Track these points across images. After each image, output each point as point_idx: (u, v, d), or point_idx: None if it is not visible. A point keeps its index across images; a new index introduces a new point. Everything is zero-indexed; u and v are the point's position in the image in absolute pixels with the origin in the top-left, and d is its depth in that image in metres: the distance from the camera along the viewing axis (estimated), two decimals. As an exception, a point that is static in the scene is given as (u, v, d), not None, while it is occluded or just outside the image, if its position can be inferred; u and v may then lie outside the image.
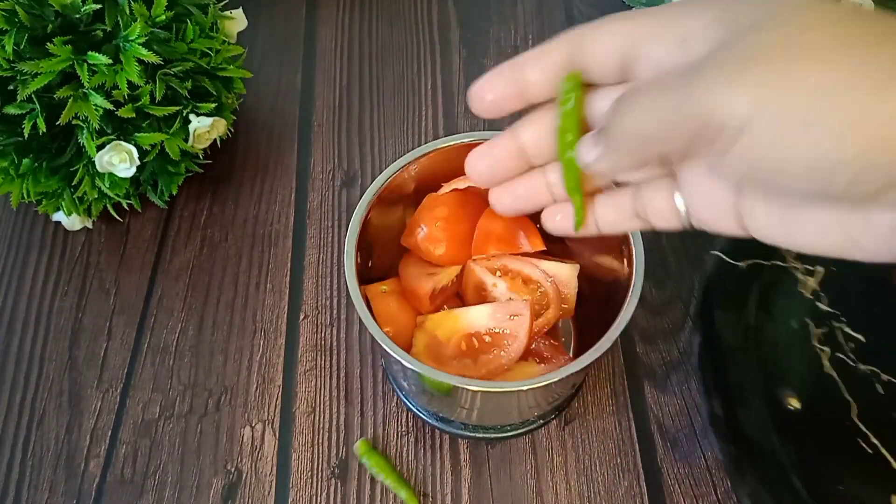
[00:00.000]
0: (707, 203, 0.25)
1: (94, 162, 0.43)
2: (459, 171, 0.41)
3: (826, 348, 0.37)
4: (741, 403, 0.36)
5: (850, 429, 0.35)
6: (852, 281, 0.38)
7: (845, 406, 0.36)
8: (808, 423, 0.36)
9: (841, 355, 0.37)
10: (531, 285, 0.40)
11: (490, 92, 0.27)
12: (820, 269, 0.39)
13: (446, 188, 0.41)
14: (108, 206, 0.48)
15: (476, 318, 0.38)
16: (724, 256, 0.39)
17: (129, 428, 0.43)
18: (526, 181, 0.30)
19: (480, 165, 0.30)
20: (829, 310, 0.38)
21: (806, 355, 0.37)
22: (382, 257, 0.42)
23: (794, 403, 0.36)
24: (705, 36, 0.21)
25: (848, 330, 0.37)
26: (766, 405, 0.35)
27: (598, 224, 0.29)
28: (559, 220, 0.30)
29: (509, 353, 0.37)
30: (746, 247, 0.39)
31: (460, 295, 0.42)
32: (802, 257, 0.39)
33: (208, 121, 0.46)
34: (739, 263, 0.38)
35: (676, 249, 0.48)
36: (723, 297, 0.38)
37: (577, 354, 0.34)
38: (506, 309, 0.38)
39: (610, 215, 0.29)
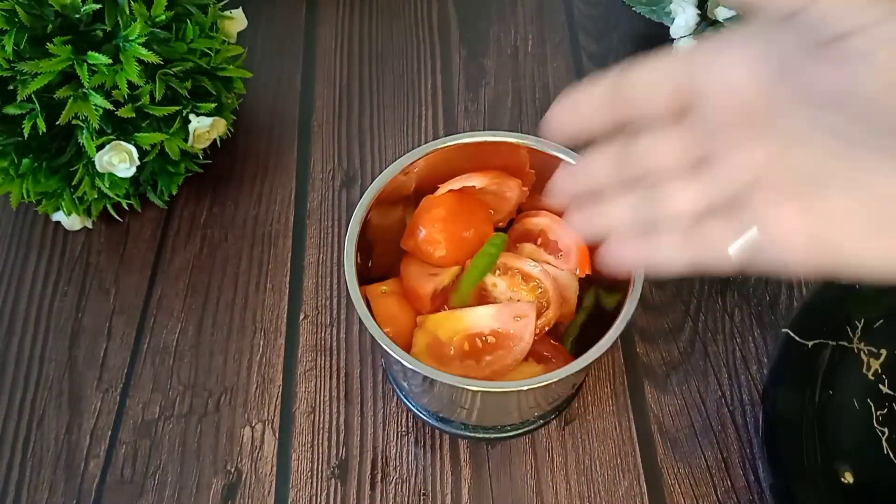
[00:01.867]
0: (781, 230, 0.23)
1: (93, 162, 0.43)
2: (459, 171, 0.41)
3: (885, 430, 0.38)
4: (802, 479, 0.37)
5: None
6: None
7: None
8: (865, 502, 0.37)
9: None
10: (531, 283, 0.40)
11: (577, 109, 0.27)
12: (884, 351, 0.40)
13: (442, 189, 0.41)
14: (107, 206, 0.48)
15: (480, 318, 0.38)
16: (792, 335, 0.40)
17: (129, 428, 0.43)
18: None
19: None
20: (890, 392, 0.39)
21: (867, 436, 0.38)
22: (382, 257, 0.42)
23: (851, 479, 0.37)
24: None
25: None
26: (826, 483, 0.37)
27: (650, 258, 0.27)
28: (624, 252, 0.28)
29: (514, 354, 0.37)
30: (814, 327, 0.40)
31: (460, 295, 0.42)
32: (868, 339, 0.40)
33: (208, 121, 0.46)
34: (806, 342, 0.40)
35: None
36: (789, 374, 0.39)
37: (577, 354, 0.34)
38: (510, 310, 0.38)
39: (663, 251, 0.26)
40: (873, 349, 0.40)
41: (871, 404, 0.38)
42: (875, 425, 0.38)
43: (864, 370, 0.39)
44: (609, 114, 0.26)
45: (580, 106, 0.27)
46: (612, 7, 0.62)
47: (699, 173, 0.25)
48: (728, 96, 0.24)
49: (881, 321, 0.40)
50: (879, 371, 0.39)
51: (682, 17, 0.54)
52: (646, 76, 0.25)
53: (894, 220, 0.21)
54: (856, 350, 0.40)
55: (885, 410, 0.38)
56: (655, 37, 0.59)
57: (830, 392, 0.38)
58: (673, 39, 0.56)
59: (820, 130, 0.22)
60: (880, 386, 0.39)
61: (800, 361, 0.39)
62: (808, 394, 0.38)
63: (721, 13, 0.51)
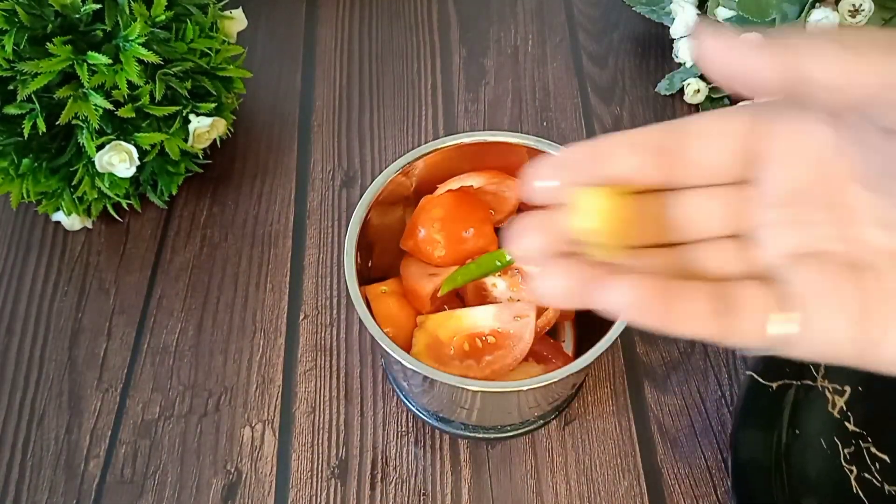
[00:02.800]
0: (826, 322, 0.20)
1: (93, 162, 0.43)
2: (459, 171, 0.41)
3: (853, 468, 0.38)
4: None
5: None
6: (879, 400, 0.40)
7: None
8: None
9: (867, 475, 0.38)
10: (531, 283, 0.40)
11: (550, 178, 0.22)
12: (848, 388, 0.40)
13: (441, 189, 0.41)
14: (107, 206, 0.48)
15: (480, 318, 0.38)
16: (756, 377, 0.40)
17: (129, 428, 0.43)
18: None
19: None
20: (856, 429, 0.39)
21: (835, 475, 0.38)
22: (382, 257, 0.42)
23: None
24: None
25: (874, 450, 0.39)
26: None
27: (681, 317, 0.21)
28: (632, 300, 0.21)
29: (514, 354, 0.37)
30: (777, 368, 0.40)
31: (460, 295, 0.42)
32: (831, 377, 0.40)
33: (208, 121, 0.46)
34: (771, 384, 0.40)
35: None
36: (755, 416, 0.40)
37: (578, 354, 0.34)
38: (511, 310, 0.38)
39: (697, 309, 0.21)
40: (837, 386, 0.40)
41: (838, 442, 0.39)
42: (843, 463, 0.38)
43: (830, 408, 0.40)
44: (649, 171, 0.22)
45: (613, 156, 0.22)
46: (612, 7, 0.62)
47: (740, 243, 0.22)
48: (795, 166, 0.21)
49: None
50: (844, 408, 0.40)
51: (682, 17, 0.54)
52: (706, 133, 0.22)
53: None
54: (820, 388, 0.40)
55: (852, 448, 0.39)
56: (655, 37, 0.59)
57: (797, 432, 0.39)
58: (673, 39, 0.56)
59: (880, 219, 0.20)
60: (846, 423, 0.39)
61: (765, 403, 0.40)
62: (776, 435, 0.39)
63: (721, 13, 0.51)
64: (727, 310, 0.21)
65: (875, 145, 0.19)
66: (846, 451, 0.38)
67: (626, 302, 0.20)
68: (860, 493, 0.37)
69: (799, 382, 0.40)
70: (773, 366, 0.40)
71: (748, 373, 0.40)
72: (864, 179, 0.20)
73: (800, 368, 0.40)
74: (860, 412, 0.39)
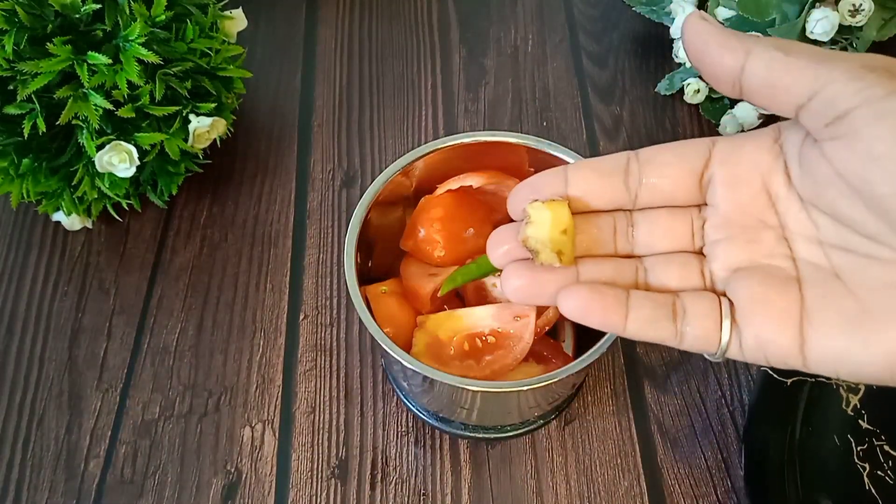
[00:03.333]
0: (766, 329, 0.22)
1: (93, 162, 0.43)
2: (459, 171, 0.41)
3: (866, 465, 0.38)
4: None
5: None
6: (893, 399, 0.40)
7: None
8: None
9: (880, 473, 0.38)
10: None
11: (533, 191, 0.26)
12: (862, 386, 0.40)
13: (440, 189, 0.41)
14: (107, 206, 0.48)
15: (480, 318, 0.38)
16: (771, 373, 0.41)
17: (129, 428, 0.43)
18: None
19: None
20: (870, 427, 0.39)
21: (848, 471, 0.38)
22: (382, 257, 0.42)
23: None
24: None
25: (888, 448, 0.39)
26: None
27: (627, 319, 0.24)
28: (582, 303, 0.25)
29: (514, 354, 0.37)
30: None
31: (461, 295, 0.42)
32: None
33: (208, 121, 0.46)
34: (785, 380, 0.40)
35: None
36: (769, 412, 0.40)
37: (577, 354, 0.34)
38: (510, 310, 0.38)
39: (643, 313, 0.24)
40: (851, 384, 0.40)
41: (851, 440, 0.39)
42: (855, 461, 0.38)
43: (843, 406, 0.40)
44: (613, 193, 0.25)
45: (584, 181, 0.25)
46: (612, 7, 0.62)
47: (695, 258, 0.25)
48: (739, 180, 0.24)
49: None
50: (858, 406, 0.40)
51: (682, 18, 0.54)
52: (663, 153, 0.25)
53: (880, 318, 0.21)
54: (834, 386, 0.40)
55: (866, 446, 0.39)
56: (655, 37, 0.59)
57: (810, 429, 0.39)
58: (673, 39, 0.56)
59: (810, 235, 0.23)
60: (859, 421, 0.39)
61: (779, 399, 0.40)
62: (789, 431, 0.39)
63: (721, 13, 0.51)
64: (675, 316, 0.24)
65: (810, 159, 0.22)
66: (859, 448, 0.39)
67: (576, 305, 0.24)
68: (873, 490, 0.38)
69: (813, 379, 0.40)
70: None
71: (762, 368, 0.41)
72: (801, 192, 0.23)
73: None
74: (874, 410, 0.40)
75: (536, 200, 0.25)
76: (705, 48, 0.22)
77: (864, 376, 0.21)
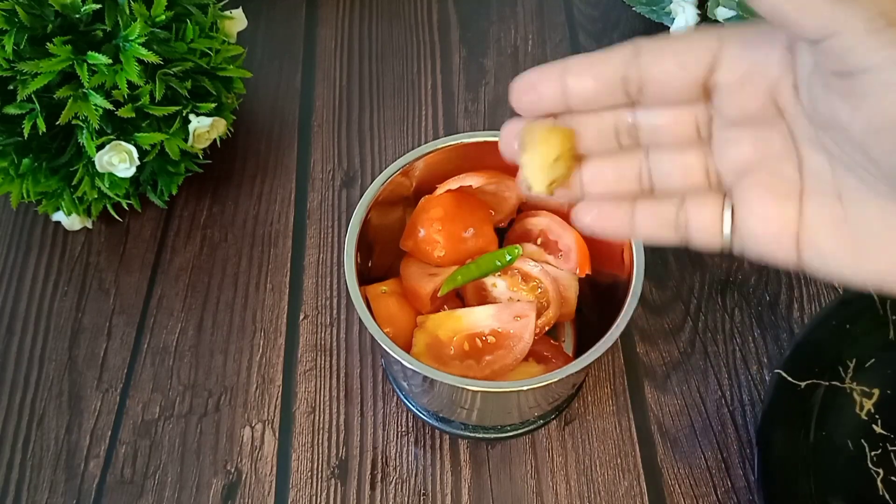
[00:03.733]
0: (764, 224, 0.23)
1: (93, 162, 0.43)
2: (459, 171, 0.41)
3: (880, 470, 0.38)
4: None
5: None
6: None
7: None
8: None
9: (894, 478, 0.38)
10: (531, 283, 0.40)
11: (532, 91, 0.25)
12: (876, 391, 0.40)
13: (440, 189, 0.41)
14: (107, 206, 0.48)
15: (480, 318, 0.38)
16: (784, 375, 0.40)
17: (129, 428, 0.43)
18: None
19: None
20: (884, 432, 0.39)
21: (861, 477, 0.38)
22: (382, 257, 0.42)
23: None
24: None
25: None
26: None
27: (634, 228, 0.26)
28: (595, 217, 0.26)
29: (514, 354, 0.37)
30: (806, 367, 0.40)
31: (460, 295, 0.42)
32: (859, 379, 0.40)
33: (208, 121, 0.46)
34: (799, 383, 0.40)
35: (677, 249, 0.48)
36: (782, 414, 0.40)
37: (577, 354, 0.34)
38: (510, 310, 0.38)
39: (648, 222, 0.26)
40: (866, 389, 0.40)
41: (865, 444, 0.39)
42: (869, 466, 0.38)
43: (857, 410, 0.40)
44: (612, 93, 0.25)
45: (580, 79, 0.25)
46: (612, 7, 0.62)
47: (696, 153, 0.26)
48: (745, 90, 0.24)
49: (873, 360, 0.40)
50: (872, 411, 0.40)
51: (682, 17, 0.54)
52: (664, 60, 0.24)
53: (873, 244, 0.22)
54: (848, 390, 0.40)
55: (879, 451, 0.39)
56: (655, 37, 0.59)
57: (824, 433, 0.39)
58: (673, 39, 0.56)
59: (818, 146, 0.23)
60: (873, 426, 0.39)
61: (793, 402, 0.40)
62: (803, 434, 0.39)
63: (721, 13, 0.51)
64: (684, 219, 0.25)
65: (817, 93, 0.22)
66: (873, 453, 0.38)
67: (591, 219, 0.26)
68: (886, 494, 0.37)
69: (827, 383, 0.40)
70: (802, 363, 0.40)
71: (776, 370, 0.40)
72: (809, 114, 0.23)
73: (828, 368, 0.40)
74: (888, 415, 0.39)
75: (532, 124, 0.25)
76: None
77: (854, 285, 0.22)
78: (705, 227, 0.25)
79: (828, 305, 0.43)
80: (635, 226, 0.26)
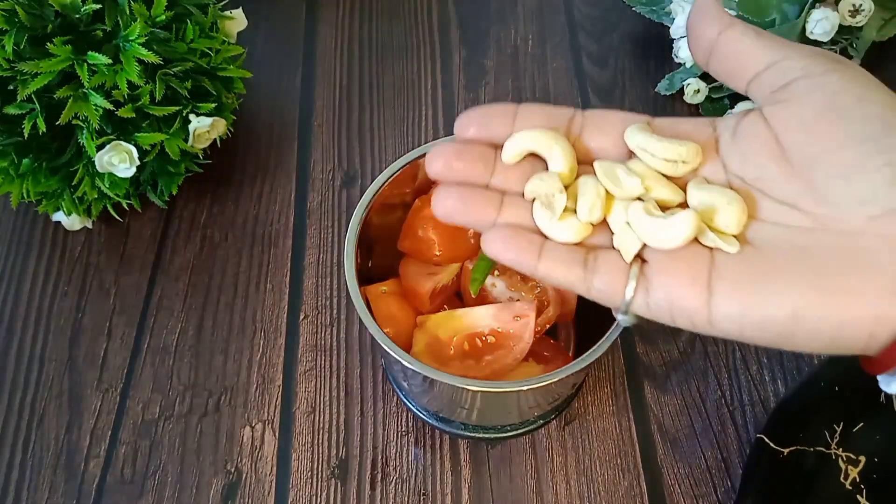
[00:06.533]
0: (677, 286, 0.23)
1: (94, 162, 0.43)
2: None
3: None
4: None
5: None
6: (894, 471, 0.37)
7: None
8: None
9: None
10: (530, 282, 0.40)
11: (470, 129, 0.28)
12: (863, 458, 0.37)
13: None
14: (108, 206, 0.48)
15: (479, 318, 0.38)
16: (766, 440, 0.38)
17: (129, 428, 0.43)
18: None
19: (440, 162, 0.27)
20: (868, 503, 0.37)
21: None
22: (382, 257, 0.42)
23: None
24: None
25: None
26: None
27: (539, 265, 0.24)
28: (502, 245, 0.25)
29: (514, 354, 0.37)
30: (790, 432, 0.38)
31: (460, 295, 0.42)
32: (846, 444, 0.37)
33: (208, 121, 0.46)
34: (782, 450, 0.38)
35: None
36: (762, 483, 0.38)
37: (577, 354, 0.34)
38: (510, 310, 0.38)
39: (556, 255, 0.24)
40: (852, 455, 0.37)
41: None
42: None
43: (842, 479, 0.37)
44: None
45: (501, 121, 0.28)
46: (612, 7, 0.62)
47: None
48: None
49: (861, 424, 0.37)
50: (857, 480, 0.36)
51: (682, 17, 0.54)
52: (604, 121, 0.28)
53: (782, 276, 0.22)
54: (833, 456, 0.37)
55: None
56: (655, 37, 0.59)
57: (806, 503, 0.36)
58: (673, 39, 0.56)
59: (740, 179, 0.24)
60: (858, 497, 0.36)
61: (774, 470, 0.38)
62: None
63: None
64: (587, 265, 0.24)
65: (745, 128, 0.25)
66: None
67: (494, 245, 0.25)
68: None
69: (812, 449, 0.37)
70: (785, 428, 0.38)
71: (758, 436, 0.38)
72: (727, 162, 0.25)
73: (814, 433, 0.37)
74: (874, 485, 0.37)
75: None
76: (698, 16, 0.25)
77: (766, 336, 0.22)
78: (608, 289, 0.24)
79: (815, 365, 0.41)
80: (540, 262, 0.24)
